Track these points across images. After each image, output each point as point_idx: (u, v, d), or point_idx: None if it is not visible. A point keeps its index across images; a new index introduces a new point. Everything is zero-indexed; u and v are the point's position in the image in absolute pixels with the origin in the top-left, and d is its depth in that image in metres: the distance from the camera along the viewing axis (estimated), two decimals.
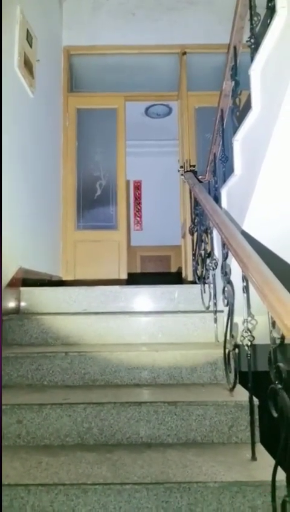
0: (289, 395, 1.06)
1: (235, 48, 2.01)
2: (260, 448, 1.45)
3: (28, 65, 2.67)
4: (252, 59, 1.61)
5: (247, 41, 1.70)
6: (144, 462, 1.36)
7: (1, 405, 1.52)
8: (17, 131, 2.51)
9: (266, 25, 1.46)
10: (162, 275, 5.76)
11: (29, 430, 1.52)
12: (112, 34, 3.97)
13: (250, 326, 1.39)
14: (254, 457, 1.37)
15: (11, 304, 2.29)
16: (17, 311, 2.35)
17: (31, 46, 2.74)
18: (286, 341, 1.10)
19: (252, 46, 1.64)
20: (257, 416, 1.48)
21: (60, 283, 3.60)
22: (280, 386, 1.09)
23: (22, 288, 2.42)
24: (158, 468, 1.31)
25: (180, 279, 3.97)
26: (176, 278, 4.42)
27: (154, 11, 4.02)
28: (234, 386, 1.62)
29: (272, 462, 1.32)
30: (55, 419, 1.53)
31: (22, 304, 2.39)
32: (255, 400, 1.48)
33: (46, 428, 1.53)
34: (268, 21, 1.45)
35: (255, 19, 1.71)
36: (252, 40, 1.65)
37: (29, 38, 2.70)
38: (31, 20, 2.73)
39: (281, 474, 1.13)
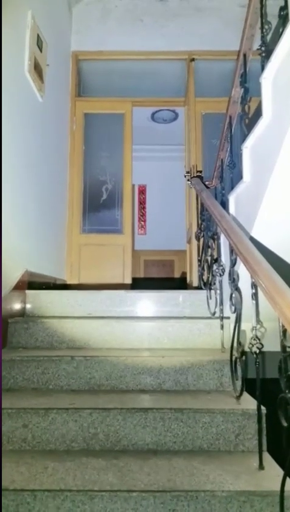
0: None
1: (245, 55, 2.02)
2: (267, 457, 1.43)
3: (37, 69, 2.69)
4: (263, 67, 1.61)
5: (258, 49, 1.71)
6: (150, 469, 1.35)
7: (0, 409, 1.52)
8: (25, 135, 2.52)
9: (278, 34, 1.47)
10: (166, 280, 5.76)
11: (34, 435, 1.52)
12: (120, 40, 4.00)
13: (259, 334, 1.39)
14: (261, 467, 1.36)
15: (17, 307, 2.29)
16: (22, 314, 2.35)
17: (41, 51, 2.76)
18: None
19: (263, 54, 1.65)
20: (264, 425, 1.47)
21: (65, 286, 3.60)
22: None
23: (28, 291, 2.42)
24: (165, 476, 1.31)
25: (185, 284, 3.97)
26: (180, 284, 4.42)
27: (162, 18, 4.05)
28: (241, 394, 1.61)
29: (280, 471, 1.31)
30: (61, 424, 1.53)
31: (28, 306, 2.39)
32: (263, 409, 1.47)
33: (52, 433, 1.52)
34: (280, 30, 1.46)
35: (266, 27, 1.72)
36: (263, 48, 1.66)
37: (39, 43, 2.72)
38: (41, 25, 2.76)
39: (289, 484, 1.12)
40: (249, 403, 1.60)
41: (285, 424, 1.12)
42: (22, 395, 1.71)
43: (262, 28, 1.73)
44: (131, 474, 1.32)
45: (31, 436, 1.52)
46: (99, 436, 1.52)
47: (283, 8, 1.47)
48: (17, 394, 1.72)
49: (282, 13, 1.49)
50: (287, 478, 1.13)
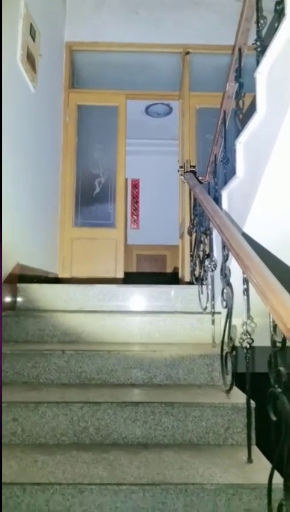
0: (288, 399, 1.06)
1: (240, 49, 2.01)
2: (256, 451, 1.45)
3: (30, 59, 2.65)
4: (257, 62, 1.61)
5: (253, 43, 1.70)
6: (140, 463, 1.36)
7: (1, 403, 1.51)
8: (17, 126, 2.48)
9: (273, 28, 1.46)
10: (158, 275, 5.76)
11: (24, 428, 1.51)
12: (114, 31, 3.95)
13: (249, 329, 1.39)
14: (250, 460, 1.38)
15: (8, 300, 2.27)
16: (13, 307, 2.34)
17: (34, 41, 2.72)
18: (287, 344, 1.10)
19: (258, 49, 1.64)
20: (253, 419, 1.48)
21: (56, 280, 3.58)
22: (279, 390, 1.09)
23: (19, 285, 2.41)
24: (154, 469, 1.31)
25: (177, 279, 3.98)
26: (172, 278, 4.43)
27: (158, 10, 4.01)
28: (230, 388, 1.62)
29: (268, 464, 1.33)
30: (52, 417, 1.52)
31: (19, 300, 2.38)
32: (252, 403, 1.48)
33: (42, 426, 1.52)
34: (276, 24, 1.45)
35: (262, 21, 1.71)
36: (258, 43, 1.65)
37: (32, 32, 2.67)
38: (34, 14, 2.71)
39: (277, 478, 1.13)
40: (238, 397, 1.61)
41: (274, 418, 1.13)
42: (12, 389, 1.70)
43: (258, 22, 1.72)
44: (121, 467, 1.32)
45: (20, 429, 1.52)
46: (89, 430, 1.52)
47: (279, 3, 1.45)
48: (8, 388, 1.71)
49: (278, 8, 1.48)
50: (275, 471, 1.14)
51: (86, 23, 3.97)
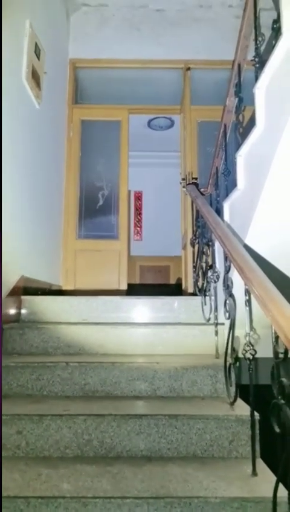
0: None
1: (239, 65, 2.06)
2: (260, 464, 1.44)
3: (35, 77, 2.72)
4: (256, 77, 1.65)
5: (252, 60, 1.75)
6: (144, 476, 1.35)
7: (1, 416, 1.52)
8: (22, 141, 2.54)
9: (271, 46, 1.51)
10: (162, 286, 5.77)
11: (28, 441, 1.51)
12: (117, 48, 4.05)
13: (252, 340, 1.40)
14: (254, 473, 1.37)
15: (12, 312, 2.29)
16: (17, 319, 2.35)
17: (38, 59, 2.79)
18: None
19: (257, 65, 1.68)
20: (257, 431, 1.48)
21: (60, 292, 3.60)
22: (282, 401, 1.09)
23: (23, 297, 2.42)
24: (159, 482, 1.31)
25: (180, 290, 3.98)
26: (175, 290, 4.43)
27: (159, 27, 4.11)
28: (234, 400, 1.62)
29: (273, 477, 1.31)
30: (55, 430, 1.52)
31: (23, 312, 2.39)
32: (256, 415, 1.47)
33: (45, 439, 1.52)
34: (273, 42, 1.49)
35: (260, 39, 1.76)
36: (257, 59, 1.70)
37: (37, 51, 2.75)
38: (39, 32, 2.79)
39: (281, 491, 1.12)
40: (243, 409, 1.61)
41: (278, 430, 1.13)
42: (16, 402, 1.70)
43: (256, 39, 1.76)
44: (125, 481, 1.32)
45: (25, 442, 1.52)
46: (93, 443, 1.52)
47: (276, 21, 1.50)
48: (12, 400, 1.72)
49: (275, 26, 1.52)
50: (280, 484, 1.13)
51: (89, 40, 4.08)
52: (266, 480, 1.33)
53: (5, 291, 2.21)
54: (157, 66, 4.09)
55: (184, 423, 1.54)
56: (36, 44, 2.74)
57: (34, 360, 1.90)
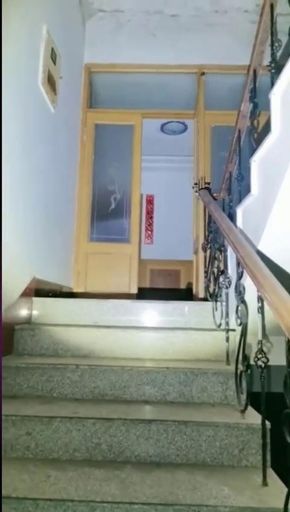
0: None
1: (255, 71, 2.05)
2: (271, 473, 1.42)
3: (51, 82, 2.75)
4: (272, 83, 1.64)
5: (267, 65, 1.74)
6: (153, 482, 1.34)
7: (0, 416, 1.53)
8: (37, 144, 2.57)
9: (288, 51, 1.50)
10: (172, 291, 5.74)
11: (38, 443, 1.52)
12: (132, 53, 4.08)
13: (265, 348, 1.38)
14: (265, 483, 1.35)
15: (24, 314, 2.31)
16: (29, 320, 2.37)
17: (54, 64, 2.83)
18: None
19: (273, 71, 1.67)
20: (268, 440, 1.45)
21: (71, 294, 3.62)
22: None
23: (34, 299, 2.44)
24: (167, 489, 1.30)
25: (191, 295, 3.96)
26: (186, 294, 4.41)
27: (174, 32, 4.13)
28: (245, 408, 1.60)
29: (284, 488, 1.29)
30: (65, 433, 1.53)
31: (34, 313, 2.41)
32: (268, 424, 1.45)
33: (55, 441, 1.52)
34: None
35: (276, 44, 1.75)
36: (273, 65, 1.69)
37: (53, 56, 2.79)
38: (55, 37, 2.83)
39: None
40: (253, 417, 1.59)
41: (289, 440, 1.11)
42: (26, 403, 1.71)
43: (272, 45, 1.76)
44: (133, 486, 1.31)
45: (34, 444, 1.52)
46: (102, 447, 1.52)
47: None
48: (22, 401, 1.73)
49: None
50: None
51: (104, 45, 4.12)
52: (277, 490, 1.31)
53: (17, 293, 2.24)
54: (172, 71, 4.11)
55: (194, 430, 1.52)
56: (52, 49, 2.78)
57: (44, 361, 1.91)
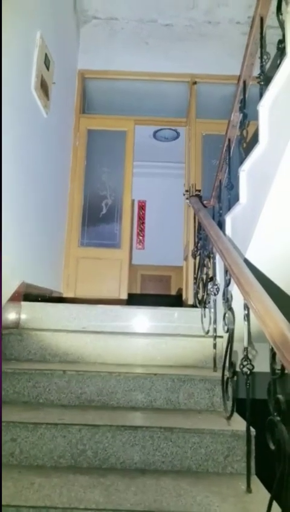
0: (287, 427, 1.06)
1: (244, 82, 2.09)
2: (255, 480, 1.43)
3: (44, 87, 2.77)
4: (261, 95, 1.67)
5: (257, 77, 1.78)
6: (137, 489, 1.34)
7: (0, 422, 1.52)
8: (29, 149, 2.58)
9: (276, 65, 1.54)
10: (162, 297, 5.76)
11: (22, 449, 1.51)
12: (125, 60, 4.13)
13: (250, 355, 1.40)
14: (249, 490, 1.36)
15: (12, 318, 2.30)
16: (17, 325, 2.36)
17: (48, 69, 2.85)
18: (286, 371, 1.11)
19: (262, 83, 1.71)
20: (253, 447, 1.47)
21: (61, 299, 3.61)
22: (278, 418, 1.09)
23: (23, 303, 2.43)
24: (152, 496, 1.30)
25: (181, 301, 3.98)
26: (176, 301, 4.43)
27: (167, 41, 4.19)
28: (231, 415, 1.61)
29: (267, 495, 1.30)
30: (50, 439, 1.52)
31: (22, 318, 2.40)
32: (252, 430, 1.47)
33: (40, 448, 1.51)
34: (278, 61, 1.52)
35: (265, 57, 1.79)
36: (262, 77, 1.73)
37: (46, 62, 2.81)
38: (49, 43, 2.85)
39: (275, 509, 1.11)
40: (239, 424, 1.60)
41: (272, 447, 1.12)
42: (11, 408, 1.70)
43: (261, 57, 1.80)
44: (118, 493, 1.31)
45: (18, 450, 1.51)
46: (87, 453, 1.51)
47: (281, 41, 1.53)
48: (7, 407, 1.71)
49: (280, 46, 1.55)
50: (274, 502, 1.12)
51: (98, 52, 4.16)
52: (260, 497, 1.31)
53: (5, 297, 2.22)
54: (164, 79, 4.16)
55: (179, 436, 1.53)
56: (46, 55, 2.80)
57: (31, 366, 1.90)
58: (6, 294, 2.25)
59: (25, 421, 1.55)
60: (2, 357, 2.08)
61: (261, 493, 1.35)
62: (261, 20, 1.85)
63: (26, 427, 1.53)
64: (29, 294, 2.58)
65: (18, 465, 1.49)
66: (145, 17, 4.13)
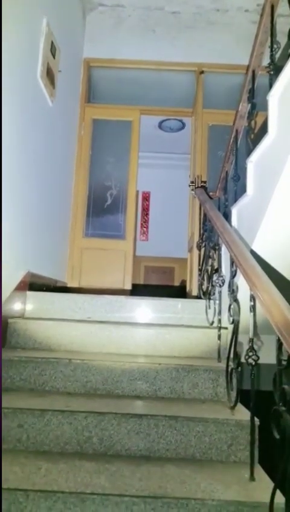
0: None
1: (253, 72, 2.07)
2: (258, 469, 1.45)
3: (50, 75, 2.74)
4: (270, 85, 1.65)
5: (266, 67, 1.76)
6: (142, 475, 1.36)
7: (0, 409, 1.54)
8: (33, 137, 2.57)
9: (286, 54, 1.51)
10: (166, 288, 5.77)
11: (29, 435, 1.53)
12: (131, 49, 4.07)
13: (255, 346, 1.41)
14: (252, 478, 1.38)
15: (17, 307, 2.31)
16: (22, 314, 2.38)
17: (54, 57, 2.82)
18: None
19: (271, 72, 1.69)
20: (257, 436, 1.48)
21: (65, 289, 3.62)
22: (283, 408, 1.10)
23: (28, 293, 2.45)
24: (156, 482, 1.32)
25: (184, 293, 3.99)
26: (179, 292, 4.44)
27: (174, 29, 4.12)
28: (235, 405, 1.63)
29: (270, 483, 1.32)
30: (56, 426, 1.54)
31: (28, 307, 2.42)
32: (256, 420, 1.48)
33: (46, 434, 1.54)
34: (289, 50, 1.50)
35: (275, 46, 1.77)
36: (272, 67, 1.70)
37: (53, 49, 2.78)
38: (55, 31, 2.81)
39: (279, 497, 1.13)
40: (243, 413, 1.62)
41: (277, 436, 1.14)
42: (18, 395, 1.73)
43: (271, 46, 1.78)
44: (123, 479, 1.33)
45: (25, 436, 1.54)
46: (93, 440, 1.53)
47: None
48: (14, 394, 1.74)
49: None
50: (277, 490, 1.14)
51: (104, 40, 4.10)
52: (263, 485, 1.34)
53: (11, 286, 2.24)
54: (171, 68, 4.10)
55: (184, 425, 1.55)
56: (52, 43, 2.77)
57: (37, 355, 1.92)
58: (12, 284, 2.26)
59: (31, 408, 1.57)
60: (8, 346, 2.11)
61: (264, 481, 1.37)
62: (272, 8, 1.81)
63: (32, 413, 1.55)
64: (34, 284, 2.60)
65: (25, 450, 1.52)
66: (152, 5, 4.06)
